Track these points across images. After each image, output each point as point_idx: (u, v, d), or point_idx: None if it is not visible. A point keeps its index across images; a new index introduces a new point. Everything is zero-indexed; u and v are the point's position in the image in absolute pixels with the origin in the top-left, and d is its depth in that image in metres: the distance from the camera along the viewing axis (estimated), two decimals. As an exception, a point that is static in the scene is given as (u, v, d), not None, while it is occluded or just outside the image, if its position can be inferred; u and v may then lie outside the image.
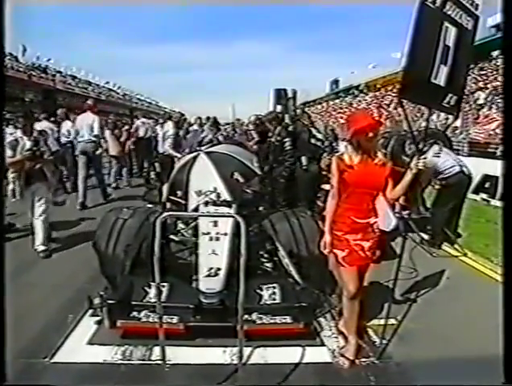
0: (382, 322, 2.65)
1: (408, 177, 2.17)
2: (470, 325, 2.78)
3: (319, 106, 43.09)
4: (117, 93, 46.21)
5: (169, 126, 5.46)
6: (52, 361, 2.31)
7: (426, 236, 4.89)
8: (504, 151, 1.68)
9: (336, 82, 44.28)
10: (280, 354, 2.44)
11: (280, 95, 5.74)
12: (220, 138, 5.42)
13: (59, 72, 34.75)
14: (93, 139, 6.30)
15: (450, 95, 2.00)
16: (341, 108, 35.58)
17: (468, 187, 4.78)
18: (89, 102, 6.75)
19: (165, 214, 2.04)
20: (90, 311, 2.67)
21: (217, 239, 2.94)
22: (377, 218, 2.34)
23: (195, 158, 4.11)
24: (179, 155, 5.10)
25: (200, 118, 11.53)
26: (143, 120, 8.71)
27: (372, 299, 2.88)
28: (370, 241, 2.30)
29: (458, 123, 11.80)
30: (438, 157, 4.59)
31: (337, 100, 39.97)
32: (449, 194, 4.61)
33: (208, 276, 2.59)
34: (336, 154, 2.29)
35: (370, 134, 2.09)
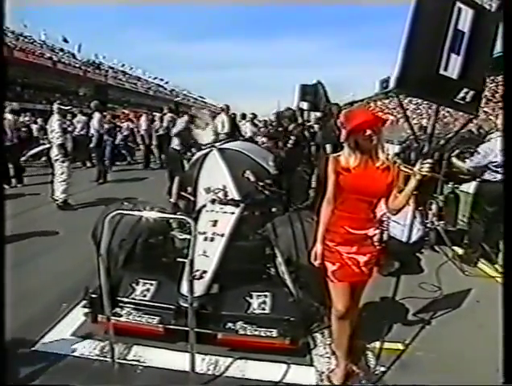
0: (381, 345, 2.36)
1: (412, 184, 1.88)
2: (494, 361, 2.37)
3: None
4: (165, 89, 47.93)
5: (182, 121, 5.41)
6: (33, 349, 2.33)
7: (460, 251, 4.40)
8: (504, 151, 1.36)
9: (386, 81, 42.11)
10: (262, 369, 2.26)
11: (306, 91, 5.42)
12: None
13: (112, 68, 36.78)
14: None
15: (465, 90, 1.66)
16: (390, 109, 33.79)
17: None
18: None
19: (114, 212, 1.92)
20: (84, 302, 2.67)
21: (212, 239, 2.82)
22: (378, 229, 2.06)
23: (207, 154, 4.02)
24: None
25: (234, 114, 11.51)
26: (170, 115, 8.81)
27: (375, 317, 2.59)
28: (367, 255, 2.02)
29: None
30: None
31: (386, 101, 38.04)
32: (485, 201, 4.07)
33: (192, 278, 2.45)
34: (333, 154, 2.03)
35: (368, 132, 1.82)
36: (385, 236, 2.22)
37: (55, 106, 5.94)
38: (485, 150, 3.87)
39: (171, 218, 2.48)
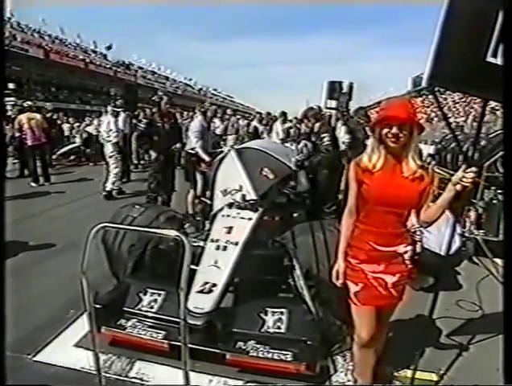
0: (412, 374, 2.07)
1: (450, 194, 1.59)
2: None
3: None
4: (193, 88, 48.53)
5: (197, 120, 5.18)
6: (34, 359, 2.23)
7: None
8: (504, 150, 1.32)
9: (419, 78, 40.51)
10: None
11: (334, 88, 5.12)
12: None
13: (141, 68, 37.68)
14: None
15: (522, 81, 1.36)
16: (423, 108, 32.32)
17: None
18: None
19: (99, 225, 1.76)
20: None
21: (225, 248, 2.60)
22: (410, 245, 1.77)
23: (224, 156, 3.83)
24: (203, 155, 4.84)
25: (259, 113, 11.31)
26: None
27: (405, 339, 2.29)
28: (397, 275, 1.74)
29: None
30: None
31: (419, 99, 36.45)
32: None
33: (201, 292, 2.26)
34: (355, 159, 1.76)
35: (394, 130, 1.56)
36: (418, 248, 1.91)
37: (110, 108, 7.05)
38: None
39: (160, 234, 2.21)
